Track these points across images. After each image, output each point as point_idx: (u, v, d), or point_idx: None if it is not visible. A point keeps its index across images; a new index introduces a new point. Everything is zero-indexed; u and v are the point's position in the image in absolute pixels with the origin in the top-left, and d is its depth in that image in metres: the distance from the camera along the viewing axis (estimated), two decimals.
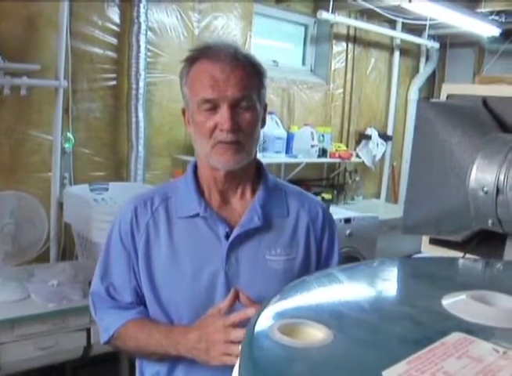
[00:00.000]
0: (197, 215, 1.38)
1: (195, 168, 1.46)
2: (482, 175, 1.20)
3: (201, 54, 1.34)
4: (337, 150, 4.61)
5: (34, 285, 2.66)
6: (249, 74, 1.33)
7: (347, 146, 4.94)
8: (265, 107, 1.42)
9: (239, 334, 1.18)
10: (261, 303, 1.20)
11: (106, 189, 3.19)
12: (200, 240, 1.38)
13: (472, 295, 0.66)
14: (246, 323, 1.17)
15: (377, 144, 5.11)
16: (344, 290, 0.74)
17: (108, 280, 1.44)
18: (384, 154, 5.32)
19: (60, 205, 3.17)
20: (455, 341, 0.55)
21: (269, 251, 1.38)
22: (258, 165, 1.48)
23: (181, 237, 1.39)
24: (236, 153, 1.32)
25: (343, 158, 4.61)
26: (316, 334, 0.57)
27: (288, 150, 4.25)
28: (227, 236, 1.36)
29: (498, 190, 1.17)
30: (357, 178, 5.09)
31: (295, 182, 4.50)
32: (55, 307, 2.55)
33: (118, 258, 1.43)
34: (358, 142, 5.16)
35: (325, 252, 1.47)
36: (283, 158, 4.21)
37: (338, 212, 3.93)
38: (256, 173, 1.46)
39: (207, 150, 1.33)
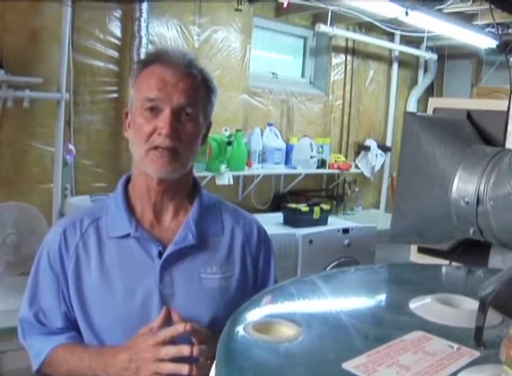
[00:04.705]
0: (128, 235, 1.32)
1: (126, 183, 1.41)
2: (463, 185, 1.24)
3: (156, 58, 1.32)
4: (336, 161, 4.64)
5: None
6: (198, 85, 1.31)
7: (346, 157, 4.97)
8: (208, 125, 1.38)
9: (169, 351, 1.15)
10: (196, 322, 1.18)
11: None
12: (132, 260, 1.31)
13: (437, 298, 0.71)
14: (178, 340, 1.15)
15: (376, 155, 5.14)
16: (317, 293, 0.78)
17: (37, 306, 1.38)
18: (383, 165, 5.34)
19: (62, 216, 3.18)
20: (413, 339, 0.60)
21: (204, 270, 1.33)
22: (195, 183, 1.44)
23: (112, 259, 1.32)
24: (170, 160, 1.27)
25: (342, 169, 4.64)
26: (287, 331, 0.62)
27: (287, 161, 4.29)
28: (160, 255, 1.31)
29: (478, 201, 1.22)
30: (356, 189, 5.12)
31: (294, 192, 4.56)
32: None
33: (47, 282, 1.36)
34: (357, 154, 5.19)
35: (261, 270, 1.44)
36: (282, 169, 4.25)
37: (336, 222, 3.98)
38: (191, 192, 1.42)
39: (142, 155, 1.29)
